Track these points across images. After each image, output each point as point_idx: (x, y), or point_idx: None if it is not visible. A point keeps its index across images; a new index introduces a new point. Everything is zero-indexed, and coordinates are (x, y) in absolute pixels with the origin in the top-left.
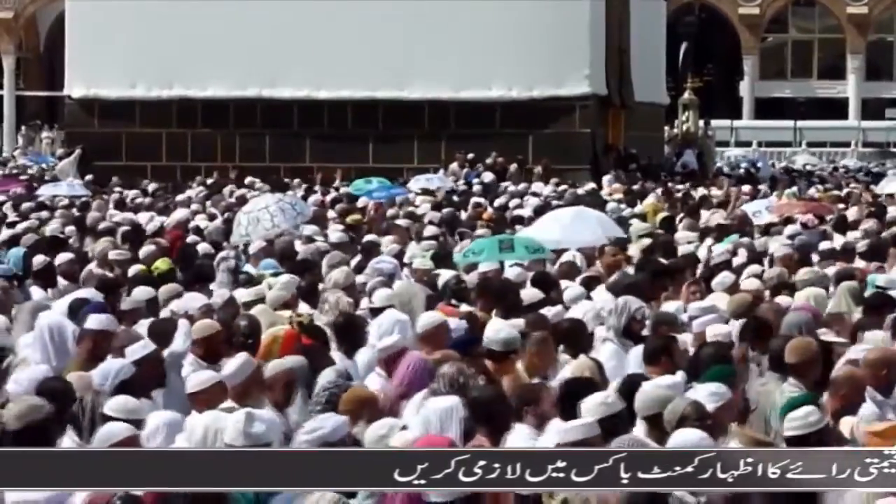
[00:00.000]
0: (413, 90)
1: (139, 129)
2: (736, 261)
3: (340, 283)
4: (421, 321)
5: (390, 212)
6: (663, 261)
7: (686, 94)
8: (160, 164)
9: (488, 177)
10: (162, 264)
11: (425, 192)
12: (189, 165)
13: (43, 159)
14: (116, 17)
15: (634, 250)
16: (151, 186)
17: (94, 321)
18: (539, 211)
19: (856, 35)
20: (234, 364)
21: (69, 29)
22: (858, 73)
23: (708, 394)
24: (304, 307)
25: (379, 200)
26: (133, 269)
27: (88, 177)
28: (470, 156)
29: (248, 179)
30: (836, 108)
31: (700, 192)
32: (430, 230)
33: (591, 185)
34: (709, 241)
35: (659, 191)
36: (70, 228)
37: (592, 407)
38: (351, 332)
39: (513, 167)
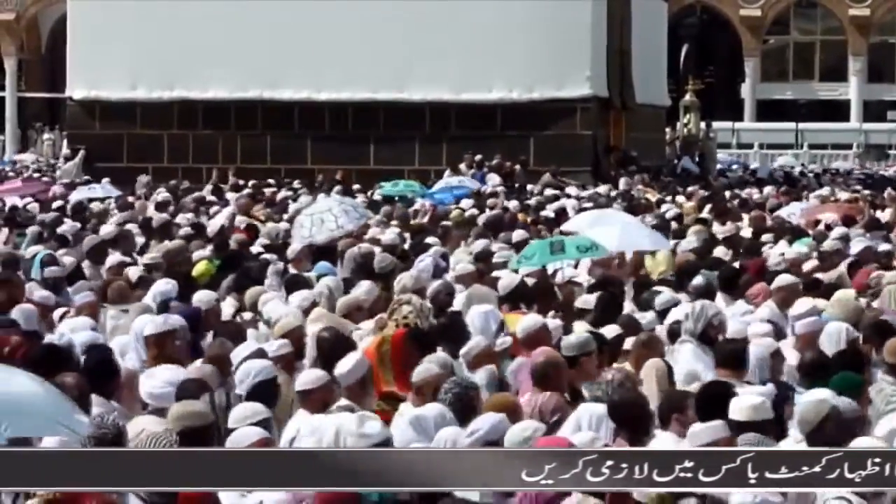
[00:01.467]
0: (414, 92)
1: (140, 130)
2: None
3: (409, 288)
4: (522, 324)
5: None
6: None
7: (687, 96)
8: (161, 166)
9: (494, 178)
10: (205, 268)
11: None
12: (190, 167)
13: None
14: (118, 18)
15: (720, 251)
16: (207, 189)
17: (152, 326)
18: (561, 214)
19: (857, 37)
20: (348, 363)
21: (71, 31)
22: (860, 75)
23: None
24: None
25: (434, 202)
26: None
27: (106, 179)
28: (477, 157)
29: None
30: (837, 110)
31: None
32: (518, 234)
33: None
34: (783, 243)
35: (701, 193)
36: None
37: (742, 409)
38: (455, 332)
39: (517, 169)
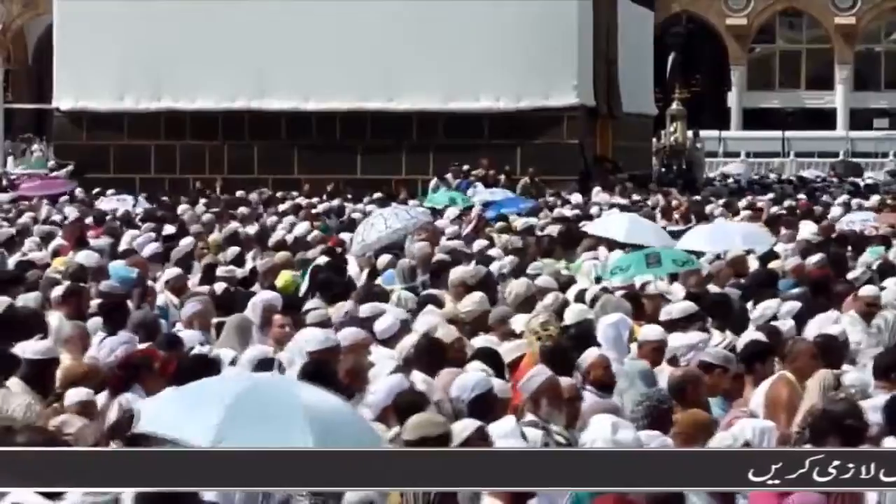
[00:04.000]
0: (401, 101)
1: (127, 141)
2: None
3: (521, 296)
4: (645, 334)
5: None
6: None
7: (674, 105)
8: (148, 177)
9: (480, 187)
10: (289, 280)
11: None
12: (177, 178)
13: None
14: (104, 29)
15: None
16: (254, 196)
17: (314, 342)
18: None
19: (843, 45)
20: (531, 374)
21: (57, 41)
22: (846, 83)
23: None
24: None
25: (499, 213)
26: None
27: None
28: (465, 167)
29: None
30: (824, 119)
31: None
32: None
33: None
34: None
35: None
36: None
37: None
38: (588, 342)
39: (501, 178)
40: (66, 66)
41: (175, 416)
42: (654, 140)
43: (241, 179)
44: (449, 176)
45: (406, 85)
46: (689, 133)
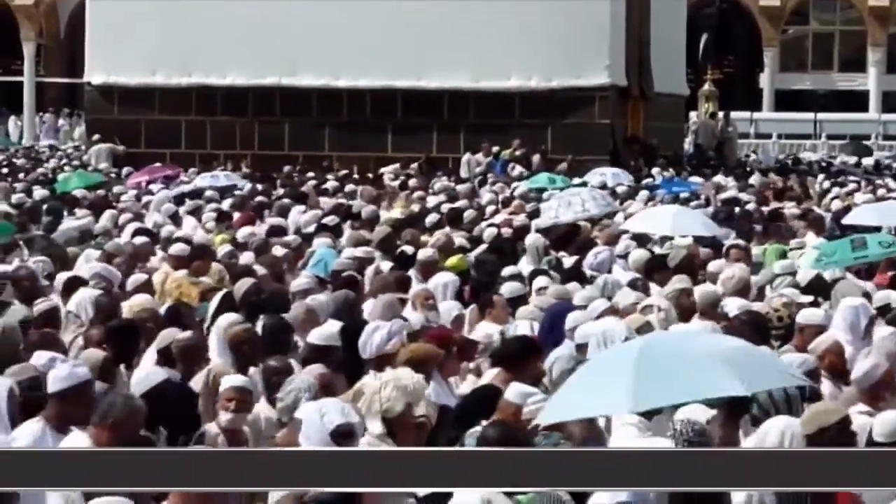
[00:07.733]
0: (432, 79)
1: (158, 116)
2: None
3: (743, 280)
4: (807, 318)
5: None
6: None
7: (706, 86)
8: (179, 152)
9: (517, 168)
10: (458, 262)
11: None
12: (208, 153)
13: None
14: (137, 4)
15: None
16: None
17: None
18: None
19: (877, 28)
20: (868, 367)
21: (89, 16)
22: (879, 65)
23: None
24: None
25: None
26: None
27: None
28: (495, 148)
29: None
30: (856, 101)
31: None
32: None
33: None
34: None
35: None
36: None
37: None
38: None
39: (536, 158)
40: (97, 41)
41: (579, 399)
42: (694, 120)
43: (271, 156)
44: (479, 155)
45: (437, 63)
46: (721, 114)
